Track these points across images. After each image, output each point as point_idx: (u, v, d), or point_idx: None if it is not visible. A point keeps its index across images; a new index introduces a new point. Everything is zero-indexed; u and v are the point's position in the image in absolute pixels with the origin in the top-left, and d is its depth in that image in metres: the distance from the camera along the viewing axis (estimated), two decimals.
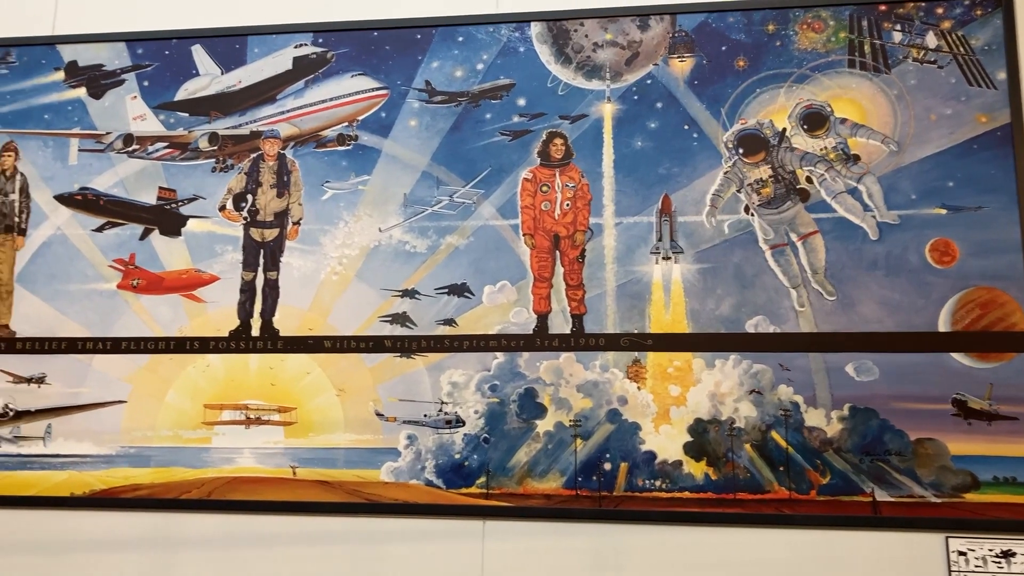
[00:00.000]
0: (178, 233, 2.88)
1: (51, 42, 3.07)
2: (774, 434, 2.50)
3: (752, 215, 2.65)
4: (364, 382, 2.71)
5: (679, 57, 2.76)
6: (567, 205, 2.74)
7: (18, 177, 2.98)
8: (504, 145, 2.79)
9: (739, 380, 2.54)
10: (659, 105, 2.74)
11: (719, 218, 2.66)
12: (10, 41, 3.08)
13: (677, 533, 2.48)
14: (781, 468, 2.48)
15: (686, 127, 2.71)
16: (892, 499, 2.42)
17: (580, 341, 2.63)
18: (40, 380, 2.84)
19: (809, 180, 2.65)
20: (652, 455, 2.53)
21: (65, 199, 2.95)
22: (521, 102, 2.81)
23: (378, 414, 2.70)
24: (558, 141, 2.77)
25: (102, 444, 2.78)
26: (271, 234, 2.86)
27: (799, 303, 2.57)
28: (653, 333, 2.60)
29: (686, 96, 2.73)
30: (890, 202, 2.59)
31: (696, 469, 2.51)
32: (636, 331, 2.61)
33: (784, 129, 2.69)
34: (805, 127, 2.68)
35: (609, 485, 2.53)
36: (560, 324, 2.66)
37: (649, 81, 2.76)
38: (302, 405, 2.73)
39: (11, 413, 2.83)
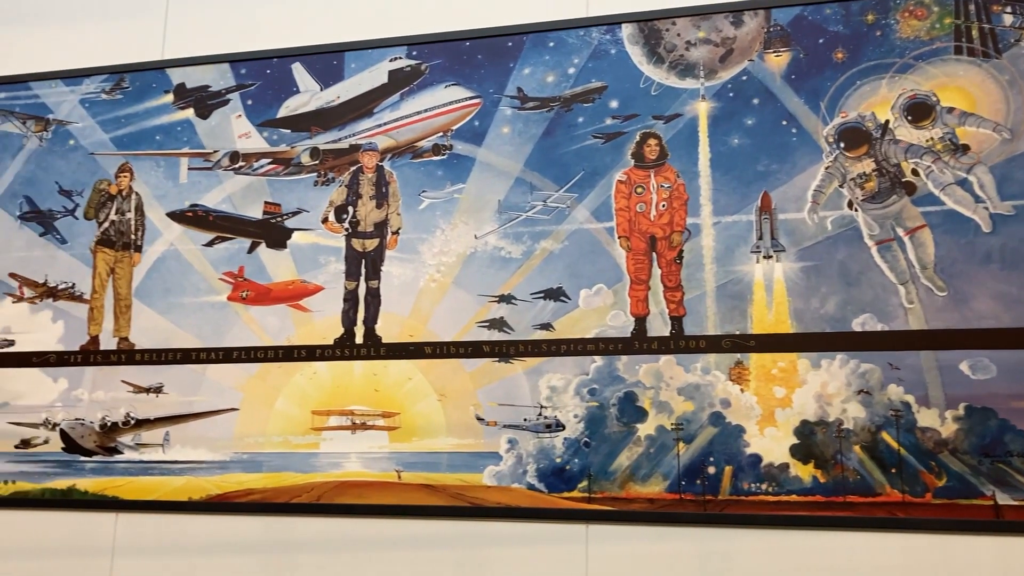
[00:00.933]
0: (284, 246, 3.03)
1: (160, 66, 3.28)
2: (885, 435, 2.47)
3: (856, 210, 2.62)
4: (464, 387, 2.80)
5: (775, 52, 2.76)
6: (663, 206, 2.76)
7: (133, 196, 3.20)
8: (597, 148, 2.84)
9: (846, 380, 2.52)
10: (756, 101, 2.74)
11: (821, 214, 2.64)
12: (123, 68, 3.30)
13: (785, 537, 2.48)
14: (893, 470, 2.44)
15: (784, 123, 2.70)
16: (1016, 502, 2.36)
17: (680, 343, 2.65)
18: (158, 390, 3.03)
19: (915, 173, 2.61)
20: (757, 458, 2.53)
21: (177, 216, 3.14)
22: (613, 104, 2.86)
23: (479, 418, 2.77)
24: (652, 142, 2.80)
25: (216, 450, 2.94)
26: (371, 244, 2.97)
27: (908, 300, 2.53)
28: (756, 334, 2.60)
29: (783, 91, 2.72)
30: (1003, 192, 2.53)
31: (803, 472, 2.50)
32: (738, 332, 2.62)
33: (887, 121, 2.65)
34: (909, 118, 2.64)
35: (714, 489, 2.53)
36: (659, 327, 2.69)
37: (744, 77, 2.77)
38: (405, 410, 2.84)
39: (132, 421, 3.03)
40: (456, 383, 2.81)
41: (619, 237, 2.80)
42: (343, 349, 2.94)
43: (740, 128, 2.75)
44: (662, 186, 2.79)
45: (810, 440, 2.52)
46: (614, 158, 2.84)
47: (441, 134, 3.00)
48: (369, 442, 2.86)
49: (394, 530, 2.77)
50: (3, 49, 3.50)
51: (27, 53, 3.47)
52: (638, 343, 2.70)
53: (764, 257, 2.66)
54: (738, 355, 2.62)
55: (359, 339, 2.94)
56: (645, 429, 2.64)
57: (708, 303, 2.68)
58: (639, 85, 2.87)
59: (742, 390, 2.60)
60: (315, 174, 3.09)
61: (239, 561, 2.86)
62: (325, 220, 3.05)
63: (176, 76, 3.27)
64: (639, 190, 2.81)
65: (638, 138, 2.83)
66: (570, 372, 2.74)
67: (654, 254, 2.77)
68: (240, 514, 2.89)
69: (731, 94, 2.79)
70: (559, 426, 2.71)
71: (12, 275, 3.28)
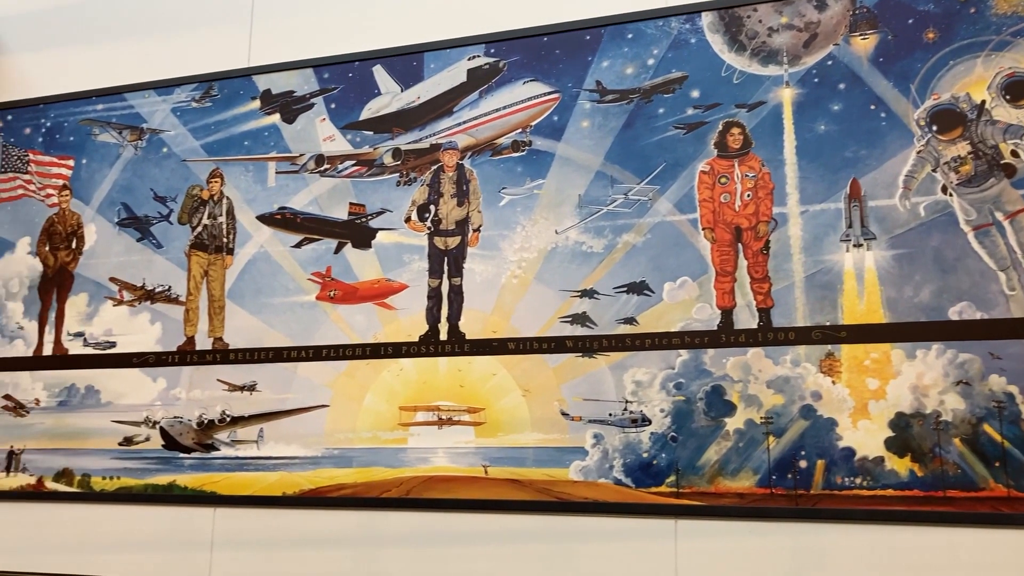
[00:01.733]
0: (369, 245, 3.12)
1: (247, 73, 3.42)
2: (987, 427, 2.41)
3: (950, 195, 2.57)
4: (548, 382, 2.84)
5: (861, 35, 2.72)
6: (748, 196, 2.75)
7: (224, 201, 3.34)
8: (679, 139, 2.84)
9: (944, 371, 2.47)
10: (842, 86, 2.70)
11: (914, 200, 2.59)
12: (212, 76, 3.45)
13: (882, 533, 2.44)
14: (997, 464, 2.38)
15: (873, 107, 2.66)
16: None
17: (768, 336, 2.64)
18: (252, 388, 3.16)
19: (1015, 154, 2.53)
20: (851, 451, 2.50)
21: (266, 219, 3.27)
22: (695, 94, 2.85)
23: (563, 413, 2.81)
24: (735, 131, 2.79)
25: (308, 446, 3.05)
26: (453, 242, 3.04)
27: (1009, 287, 2.47)
28: (847, 324, 2.57)
29: (871, 75, 2.68)
30: None
31: (900, 466, 2.46)
32: (828, 323, 2.59)
33: (983, 101, 2.58)
34: (1008, 97, 2.56)
35: (806, 483, 2.52)
36: (746, 319, 2.68)
37: (830, 62, 2.73)
38: (490, 405, 2.89)
39: (228, 419, 3.17)
40: (540, 378, 2.86)
41: (703, 229, 2.79)
42: (428, 346, 3.01)
43: (826, 114, 2.71)
44: (746, 175, 2.78)
45: (906, 433, 2.48)
46: (696, 148, 2.84)
47: (520, 130, 3.04)
48: (455, 437, 2.92)
49: (481, 524, 2.83)
50: (99, 63, 3.69)
51: (121, 66, 3.66)
52: (725, 336, 2.70)
53: (854, 246, 2.63)
54: (829, 347, 2.59)
55: (443, 336, 3.01)
56: (733, 423, 2.64)
57: (797, 294, 2.66)
58: (720, 74, 2.86)
59: (834, 382, 2.57)
60: (397, 174, 3.17)
61: (332, 554, 2.96)
62: (408, 219, 3.13)
63: (262, 83, 3.40)
64: (723, 180, 2.80)
65: (721, 127, 2.82)
66: (655, 366, 2.75)
67: (740, 245, 2.75)
68: (332, 509, 2.99)
69: (816, 80, 2.75)
70: (645, 421, 2.73)
71: (112, 279, 3.47)
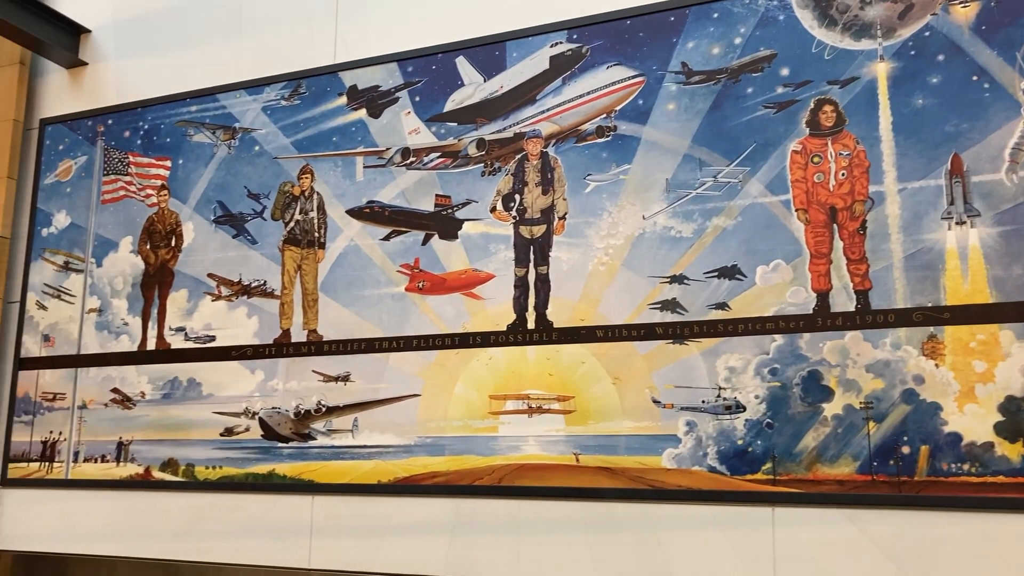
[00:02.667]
0: (455, 236, 3.18)
1: (333, 70, 3.50)
2: None
3: None
4: (639, 370, 2.84)
5: (961, 3, 2.63)
6: (842, 175, 2.69)
7: (315, 196, 3.44)
8: (769, 118, 2.80)
9: None
10: (941, 58, 2.62)
11: (1021, 175, 2.49)
12: (300, 74, 3.55)
13: (992, 521, 2.38)
14: None
15: (975, 78, 2.57)
16: None
17: (867, 318, 2.59)
18: (346, 378, 3.25)
19: None
20: (957, 437, 2.43)
21: (355, 213, 3.36)
22: (784, 72, 2.81)
23: (655, 401, 2.81)
24: (828, 108, 2.73)
25: (401, 435, 3.13)
26: (539, 230, 3.06)
27: None
28: (950, 305, 2.50)
29: (973, 44, 2.59)
30: None
31: (1012, 451, 2.39)
32: (930, 304, 2.53)
33: None
34: None
35: (909, 470, 2.46)
36: (843, 302, 2.63)
37: (927, 33, 2.65)
38: (579, 394, 2.91)
39: (323, 409, 3.27)
40: (630, 366, 2.86)
41: (796, 210, 2.75)
42: (516, 335, 3.05)
43: (924, 87, 2.63)
44: (841, 154, 2.72)
45: (1018, 417, 2.40)
46: (787, 128, 2.79)
47: (605, 116, 3.04)
48: (546, 425, 2.96)
49: (574, 512, 2.85)
50: (192, 66, 3.84)
51: (213, 67, 3.79)
52: (821, 320, 2.66)
53: (957, 223, 2.55)
54: (931, 328, 2.52)
55: (531, 324, 3.04)
56: (831, 408, 2.60)
57: (896, 275, 2.60)
58: (811, 50, 2.80)
59: (937, 365, 2.50)
60: (482, 165, 3.22)
61: (426, 541, 3.03)
62: (493, 209, 3.17)
63: (348, 79, 3.49)
64: (816, 159, 2.75)
65: (812, 105, 2.77)
66: (749, 352, 2.73)
67: (835, 226, 2.70)
68: (426, 496, 3.06)
69: (913, 52, 2.67)
70: (739, 407, 2.71)
71: (210, 275, 3.61)
